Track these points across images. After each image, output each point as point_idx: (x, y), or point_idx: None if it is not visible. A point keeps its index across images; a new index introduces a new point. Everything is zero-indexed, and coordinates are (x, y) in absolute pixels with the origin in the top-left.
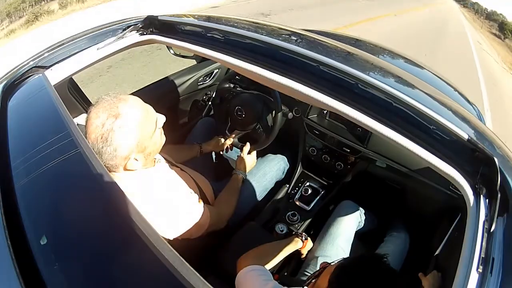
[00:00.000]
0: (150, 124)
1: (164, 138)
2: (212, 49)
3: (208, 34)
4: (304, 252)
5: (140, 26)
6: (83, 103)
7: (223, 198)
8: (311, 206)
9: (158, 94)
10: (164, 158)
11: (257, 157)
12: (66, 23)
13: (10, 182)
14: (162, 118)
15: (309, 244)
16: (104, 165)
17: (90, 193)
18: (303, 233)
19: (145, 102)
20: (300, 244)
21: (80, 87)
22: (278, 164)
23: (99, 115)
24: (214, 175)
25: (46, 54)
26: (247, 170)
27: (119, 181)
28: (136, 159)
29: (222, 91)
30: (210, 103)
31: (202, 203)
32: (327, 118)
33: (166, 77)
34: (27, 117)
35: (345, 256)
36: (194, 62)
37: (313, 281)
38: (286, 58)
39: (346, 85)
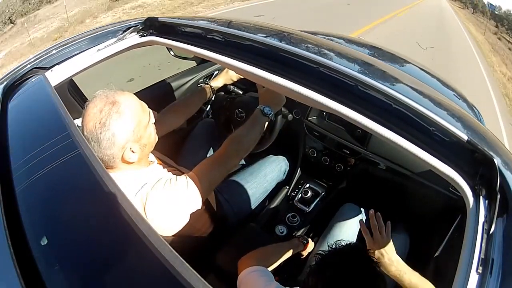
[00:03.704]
0: (145, 114)
1: (157, 137)
2: (212, 50)
3: (208, 36)
4: (305, 254)
5: (140, 27)
6: (83, 105)
7: (234, 137)
8: (311, 208)
9: (158, 96)
10: (163, 160)
11: (258, 158)
12: None
13: (11, 183)
14: (153, 115)
15: (310, 246)
16: (102, 159)
17: (90, 193)
18: (305, 236)
19: (145, 103)
20: (301, 247)
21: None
22: (279, 166)
23: (96, 105)
24: None
25: (46, 55)
26: (275, 104)
27: (117, 180)
28: (132, 151)
29: (219, 99)
30: (209, 104)
31: (200, 196)
32: (326, 119)
33: (166, 78)
34: (27, 118)
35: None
36: (194, 63)
37: None
38: (286, 59)
39: (345, 87)
